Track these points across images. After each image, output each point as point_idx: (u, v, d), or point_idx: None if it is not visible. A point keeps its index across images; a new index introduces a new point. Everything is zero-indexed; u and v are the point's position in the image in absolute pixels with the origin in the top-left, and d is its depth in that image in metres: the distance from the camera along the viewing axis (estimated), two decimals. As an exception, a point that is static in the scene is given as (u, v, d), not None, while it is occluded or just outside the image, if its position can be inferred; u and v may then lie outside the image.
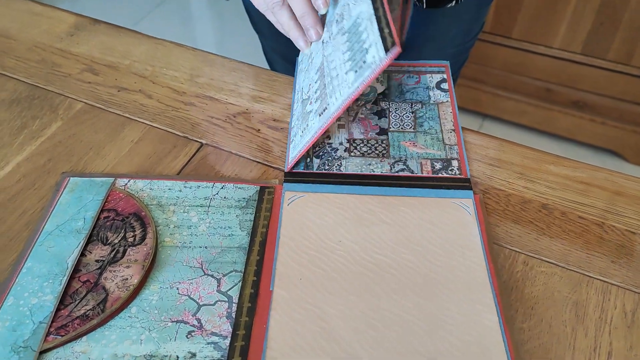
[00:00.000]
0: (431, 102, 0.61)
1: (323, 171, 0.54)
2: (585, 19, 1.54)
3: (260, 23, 0.84)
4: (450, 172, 0.54)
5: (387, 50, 0.47)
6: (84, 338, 0.40)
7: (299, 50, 0.86)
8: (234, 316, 0.42)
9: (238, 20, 1.94)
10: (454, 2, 0.71)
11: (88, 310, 0.41)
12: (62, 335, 0.40)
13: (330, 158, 0.55)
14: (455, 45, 0.82)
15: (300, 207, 0.51)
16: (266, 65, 0.98)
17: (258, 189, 0.52)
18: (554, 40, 1.63)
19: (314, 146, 0.56)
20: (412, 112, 0.60)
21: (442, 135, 0.58)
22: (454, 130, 0.58)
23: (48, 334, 0.40)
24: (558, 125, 1.79)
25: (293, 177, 0.53)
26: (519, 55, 1.68)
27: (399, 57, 0.70)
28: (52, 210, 0.49)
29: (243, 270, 0.45)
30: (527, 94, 1.77)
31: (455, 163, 0.55)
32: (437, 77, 0.64)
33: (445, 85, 0.63)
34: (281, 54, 0.88)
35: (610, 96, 1.67)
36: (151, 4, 2.35)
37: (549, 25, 1.60)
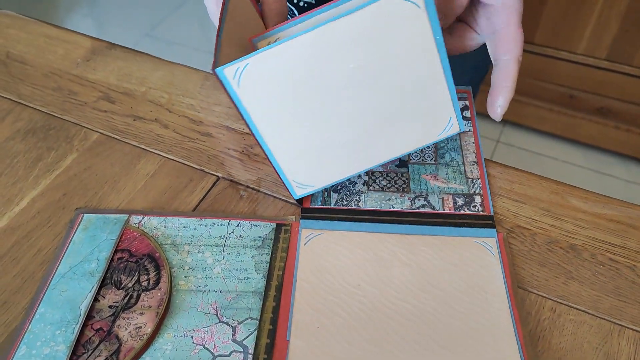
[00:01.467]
0: None
1: (341, 207, 0.53)
2: (610, 24, 1.50)
3: None
4: (472, 208, 0.52)
5: None
6: (97, 391, 0.39)
7: None
8: (249, 369, 0.41)
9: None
10: None
11: (101, 362, 0.40)
12: (74, 389, 0.39)
13: (348, 192, 0.54)
14: (476, 58, 0.79)
15: (318, 247, 0.49)
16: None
17: (274, 226, 0.50)
18: (578, 46, 1.59)
19: (332, 179, 0.55)
20: (433, 143, 0.58)
21: (465, 168, 0.56)
22: (476, 162, 0.56)
23: (60, 387, 0.39)
24: (581, 132, 1.75)
25: (310, 213, 0.52)
26: (541, 60, 1.65)
27: None
28: (66, 250, 0.48)
29: (259, 318, 0.44)
30: (549, 100, 1.74)
31: (478, 199, 0.53)
32: (459, 104, 0.61)
33: (467, 113, 0.61)
34: None
35: (635, 103, 1.63)
36: (169, 7, 2.35)
37: (572, 30, 1.56)
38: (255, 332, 0.43)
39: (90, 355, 0.41)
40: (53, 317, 0.43)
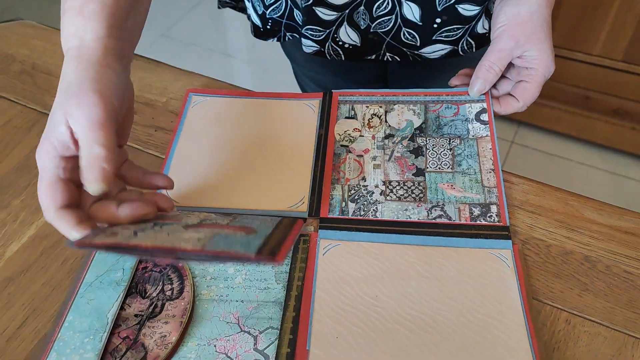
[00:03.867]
0: (470, 136, 0.59)
1: (359, 217, 0.54)
2: (626, 26, 1.49)
3: (292, 51, 0.84)
4: (489, 218, 0.53)
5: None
6: (125, 399, 0.41)
7: (329, 76, 0.86)
8: (270, 378, 0.42)
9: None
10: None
11: (128, 370, 0.42)
12: (103, 396, 0.41)
13: (365, 202, 0.55)
14: None
15: (336, 258, 0.50)
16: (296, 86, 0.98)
17: (294, 236, 0.52)
18: (594, 47, 1.58)
19: (349, 189, 0.56)
20: (450, 150, 0.58)
21: (481, 176, 0.56)
22: (493, 170, 0.56)
23: (90, 394, 0.41)
24: (597, 133, 1.74)
25: (328, 223, 0.53)
26: (557, 62, 1.63)
27: (437, 85, 0.67)
28: (92, 259, 0.50)
29: (279, 327, 0.45)
30: (564, 101, 1.73)
31: (494, 209, 0.54)
32: (477, 107, 0.61)
33: (485, 117, 0.61)
34: (312, 78, 0.88)
35: (652, 104, 1.61)
36: (185, 8, 2.37)
37: (588, 32, 1.55)
38: (276, 342, 0.44)
39: (117, 363, 0.42)
40: (81, 325, 0.45)
